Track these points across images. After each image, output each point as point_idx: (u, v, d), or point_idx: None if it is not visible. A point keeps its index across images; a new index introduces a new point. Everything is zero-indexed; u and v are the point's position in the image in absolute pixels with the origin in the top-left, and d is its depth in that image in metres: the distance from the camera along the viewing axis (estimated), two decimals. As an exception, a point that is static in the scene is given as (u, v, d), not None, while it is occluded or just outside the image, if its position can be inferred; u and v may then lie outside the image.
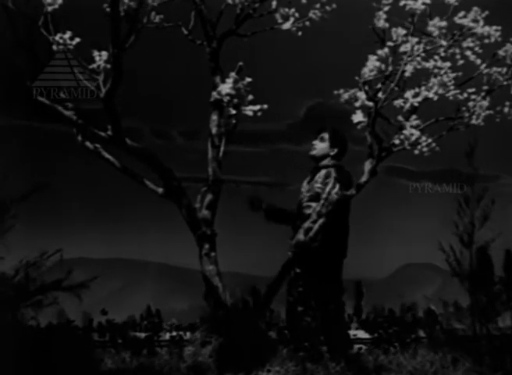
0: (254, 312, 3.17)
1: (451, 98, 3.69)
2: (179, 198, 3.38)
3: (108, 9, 2.64)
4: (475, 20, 3.63)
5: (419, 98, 3.07)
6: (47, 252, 3.26)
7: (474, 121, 3.76)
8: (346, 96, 2.85)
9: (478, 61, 3.35)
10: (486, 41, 3.77)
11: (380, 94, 3.02)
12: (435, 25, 2.97)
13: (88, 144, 3.56)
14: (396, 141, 3.01)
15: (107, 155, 3.59)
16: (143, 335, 6.41)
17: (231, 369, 2.65)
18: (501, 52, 4.03)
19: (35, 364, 2.92)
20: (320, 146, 3.39)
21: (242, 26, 3.78)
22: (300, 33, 3.74)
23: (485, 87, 3.66)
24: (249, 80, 3.34)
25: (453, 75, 3.59)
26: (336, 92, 2.88)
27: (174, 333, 6.30)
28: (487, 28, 3.52)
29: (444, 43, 3.00)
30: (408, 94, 3.26)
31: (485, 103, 3.71)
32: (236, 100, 3.59)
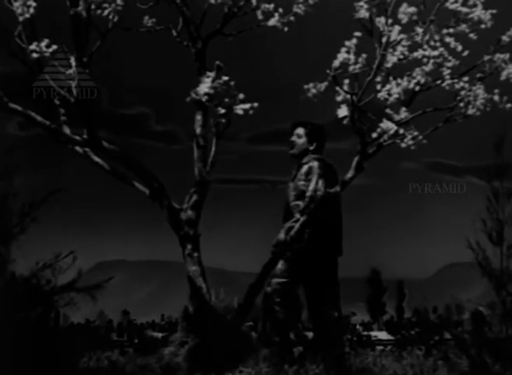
0: (237, 313, 3.14)
1: (447, 87, 3.52)
2: (160, 199, 3.39)
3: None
4: (473, 5, 3.44)
5: (399, 89, 2.94)
6: (60, 254, 3.36)
7: (470, 111, 3.57)
8: (313, 90, 2.75)
9: (460, 47, 3.16)
10: (483, 26, 3.58)
11: (358, 87, 2.91)
12: (404, 12, 2.82)
13: (78, 148, 3.64)
14: (374, 135, 2.89)
15: (96, 159, 3.65)
16: (160, 335, 6.51)
17: (202, 370, 2.62)
18: (505, 38, 3.80)
19: (35, 362, 3.01)
20: (298, 142, 3.29)
21: (226, 26, 3.76)
22: (286, 29, 3.69)
23: (478, 75, 3.46)
24: (226, 78, 3.30)
25: (450, 64, 3.42)
26: (305, 87, 2.79)
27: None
28: (478, 12, 3.33)
29: (419, 30, 2.85)
30: (392, 85, 3.13)
31: (481, 92, 3.50)
32: (226, 99, 3.56)
